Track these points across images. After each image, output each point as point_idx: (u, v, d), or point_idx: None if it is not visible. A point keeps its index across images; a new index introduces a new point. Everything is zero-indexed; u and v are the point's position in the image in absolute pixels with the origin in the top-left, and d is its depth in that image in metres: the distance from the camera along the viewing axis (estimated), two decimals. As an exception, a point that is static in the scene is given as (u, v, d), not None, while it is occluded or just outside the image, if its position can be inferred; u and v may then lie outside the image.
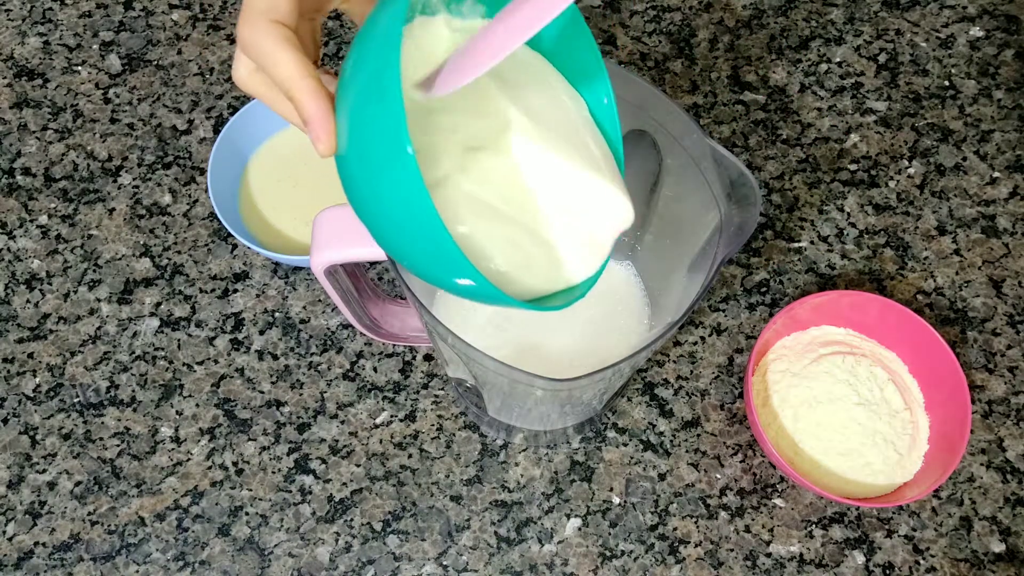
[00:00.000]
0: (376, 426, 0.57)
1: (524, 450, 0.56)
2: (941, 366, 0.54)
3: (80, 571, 0.53)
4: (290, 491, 0.55)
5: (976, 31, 0.71)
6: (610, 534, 0.54)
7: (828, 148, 0.67)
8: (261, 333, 0.60)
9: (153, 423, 0.57)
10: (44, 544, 0.54)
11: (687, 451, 0.57)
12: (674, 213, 0.46)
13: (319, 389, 0.58)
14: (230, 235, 0.62)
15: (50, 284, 0.61)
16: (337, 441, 0.57)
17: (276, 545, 0.54)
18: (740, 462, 0.56)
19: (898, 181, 0.65)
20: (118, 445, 0.56)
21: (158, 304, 0.61)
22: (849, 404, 0.54)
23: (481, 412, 0.55)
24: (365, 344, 0.59)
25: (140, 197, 0.64)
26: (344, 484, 0.55)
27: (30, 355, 0.59)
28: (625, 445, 0.57)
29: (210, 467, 0.56)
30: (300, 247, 0.60)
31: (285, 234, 0.61)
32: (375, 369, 0.59)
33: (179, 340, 0.59)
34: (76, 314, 0.60)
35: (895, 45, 0.71)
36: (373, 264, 0.62)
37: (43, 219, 0.63)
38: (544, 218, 0.34)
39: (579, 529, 0.54)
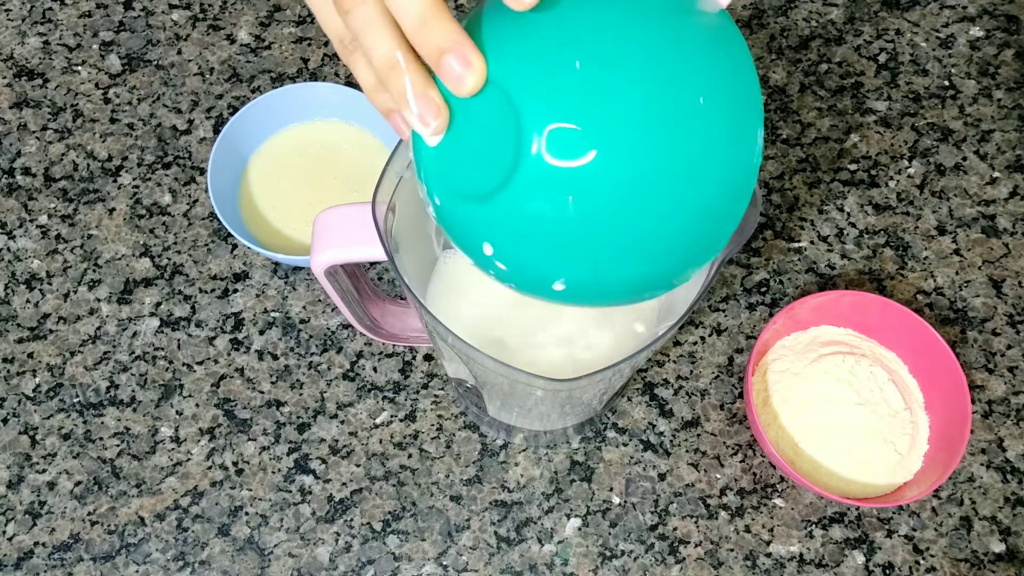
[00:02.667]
0: (376, 426, 0.57)
1: (524, 450, 0.56)
2: (941, 366, 0.54)
3: (80, 571, 0.53)
4: (290, 491, 0.55)
5: (976, 31, 0.71)
6: (610, 534, 0.54)
7: (828, 148, 0.67)
8: (261, 333, 0.60)
9: (153, 423, 0.57)
10: (44, 544, 0.54)
11: (687, 451, 0.57)
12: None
13: (319, 389, 0.58)
14: (230, 235, 0.62)
15: (50, 284, 0.61)
16: (337, 441, 0.57)
17: (276, 545, 0.54)
18: (740, 462, 0.56)
19: (898, 181, 0.65)
20: (118, 445, 0.56)
21: (158, 304, 0.61)
22: (849, 404, 0.54)
23: (481, 412, 0.55)
24: (365, 344, 0.59)
25: (140, 197, 0.64)
26: (344, 484, 0.55)
27: (30, 355, 0.59)
28: (625, 445, 0.57)
29: (210, 467, 0.56)
30: (300, 247, 0.60)
31: (285, 234, 0.61)
32: (375, 369, 0.59)
33: (179, 340, 0.59)
34: (76, 314, 0.60)
35: (895, 45, 0.71)
36: (373, 264, 0.62)
37: (43, 219, 0.63)
38: None
39: (579, 529, 0.54)
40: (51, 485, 0.55)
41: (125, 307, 0.60)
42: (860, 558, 0.54)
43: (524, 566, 0.53)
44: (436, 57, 0.26)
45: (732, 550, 0.54)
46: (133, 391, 0.58)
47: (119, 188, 0.64)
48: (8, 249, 0.62)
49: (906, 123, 0.68)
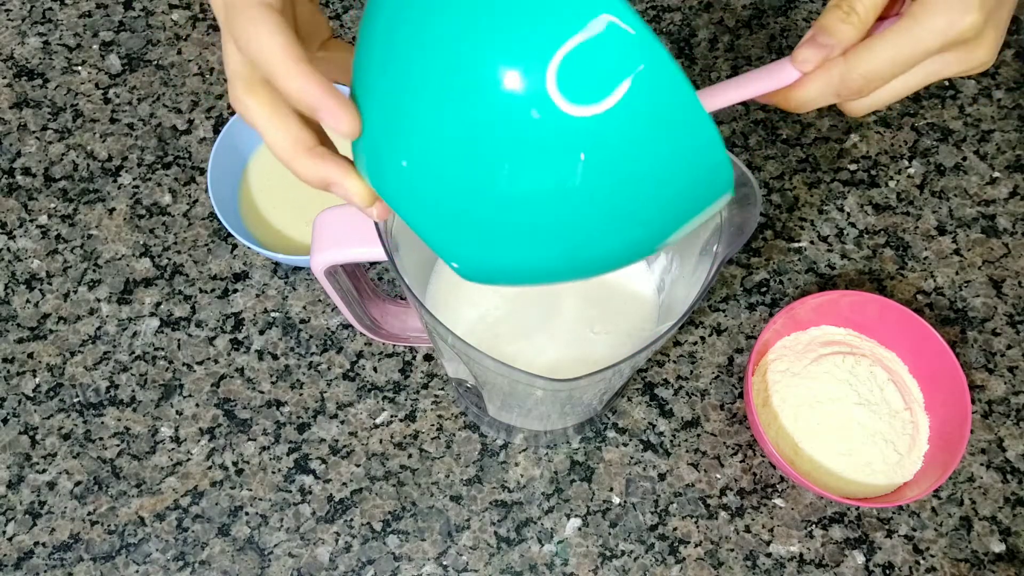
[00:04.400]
0: (376, 426, 0.57)
1: (524, 450, 0.56)
2: (941, 366, 0.54)
3: (80, 571, 0.53)
4: (290, 491, 0.55)
5: (976, 31, 0.71)
6: (610, 534, 0.54)
7: (828, 148, 0.67)
8: (261, 333, 0.60)
9: (153, 423, 0.57)
10: (44, 544, 0.54)
11: (687, 451, 0.57)
12: (674, 213, 0.46)
13: (319, 389, 0.58)
14: (230, 235, 0.62)
15: (50, 284, 0.61)
16: (337, 441, 0.57)
17: (276, 545, 0.54)
18: (740, 462, 0.56)
19: (898, 181, 0.65)
20: (118, 445, 0.56)
21: (158, 304, 0.61)
22: (849, 404, 0.54)
23: (481, 412, 0.55)
24: (365, 344, 0.59)
25: (140, 197, 0.64)
26: (344, 484, 0.55)
27: (30, 355, 0.59)
28: (625, 445, 0.57)
29: (210, 467, 0.56)
30: (300, 247, 0.60)
31: (285, 234, 0.61)
32: (375, 369, 0.59)
33: (179, 340, 0.59)
34: (76, 314, 0.60)
35: (895, 45, 0.71)
36: (373, 264, 0.62)
37: (43, 219, 0.63)
38: None
39: (579, 529, 0.54)
40: (51, 485, 0.55)
41: (125, 307, 0.60)
42: (860, 558, 0.54)
43: (524, 566, 0.53)
44: (311, 114, 0.29)
45: (732, 550, 0.54)
46: (133, 391, 0.58)
47: (119, 188, 0.64)
48: (8, 249, 0.62)
49: (906, 123, 0.68)
